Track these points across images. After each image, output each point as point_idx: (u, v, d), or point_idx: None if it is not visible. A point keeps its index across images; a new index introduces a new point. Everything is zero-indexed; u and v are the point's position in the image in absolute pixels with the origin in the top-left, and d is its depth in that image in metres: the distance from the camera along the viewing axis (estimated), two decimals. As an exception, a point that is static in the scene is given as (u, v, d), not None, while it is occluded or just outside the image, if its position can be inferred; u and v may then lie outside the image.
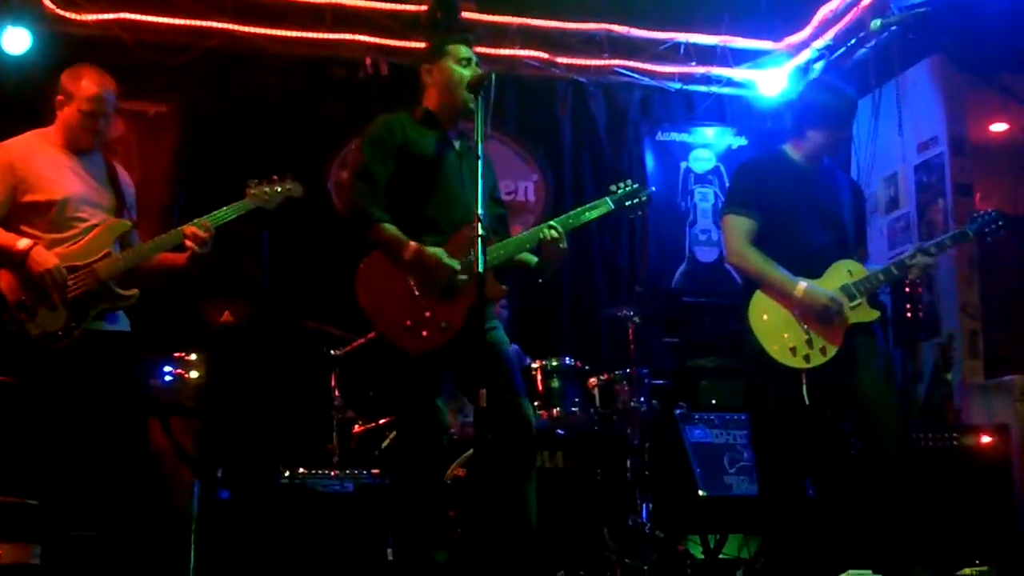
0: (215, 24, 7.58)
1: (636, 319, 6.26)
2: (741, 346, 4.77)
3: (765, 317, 4.64)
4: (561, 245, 4.30)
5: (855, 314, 4.61)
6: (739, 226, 4.74)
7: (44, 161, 4.45)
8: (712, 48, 8.43)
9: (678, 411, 6.41)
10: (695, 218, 8.53)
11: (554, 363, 5.97)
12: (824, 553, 4.92)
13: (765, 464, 4.72)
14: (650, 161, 8.51)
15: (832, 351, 4.56)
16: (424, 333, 4.12)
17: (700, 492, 6.10)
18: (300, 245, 7.39)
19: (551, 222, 4.35)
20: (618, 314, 6.39)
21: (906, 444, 4.76)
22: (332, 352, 6.26)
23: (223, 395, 5.92)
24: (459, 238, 4.21)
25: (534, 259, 4.42)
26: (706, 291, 7.91)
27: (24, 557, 4.39)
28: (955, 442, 6.06)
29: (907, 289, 7.42)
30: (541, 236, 4.30)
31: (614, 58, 8.30)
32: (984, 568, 5.43)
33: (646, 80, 8.44)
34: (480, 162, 3.93)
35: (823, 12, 8.04)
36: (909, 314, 7.47)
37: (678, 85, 8.52)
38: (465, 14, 7.57)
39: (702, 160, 8.63)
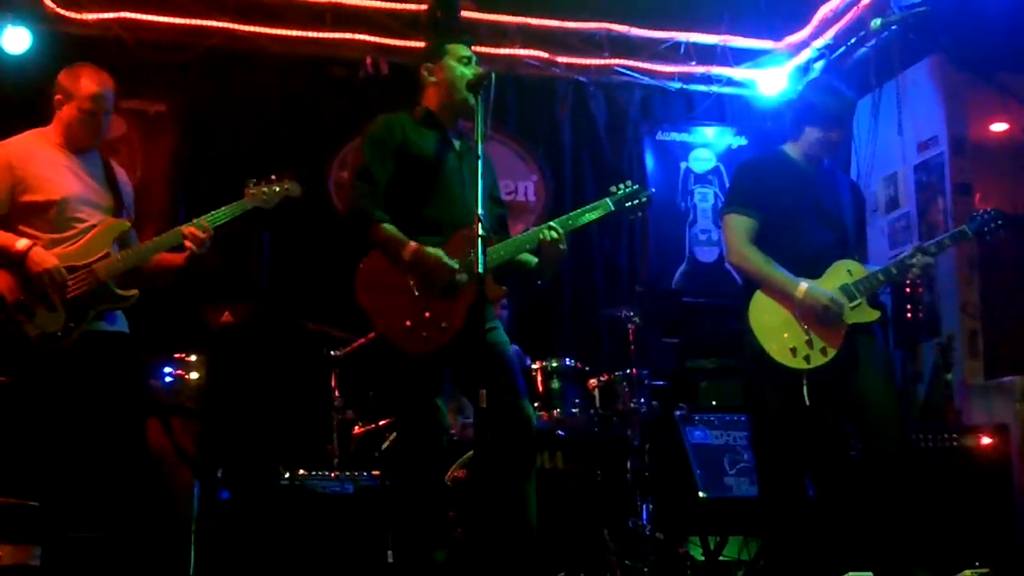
0: (215, 23, 7.58)
1: (636, 320, 6.26)
2: (741, 347, 4.76)
3: (765, 318, 4.63)
4: (561, 246, 4.30)
5: (855, 314, 4.60)
6: (739, 226, 4.74)
7: (43, 161, 4.44)
8: (712, 47, 8.42)
9: (678, 412, 6.41)
10: (695, 218, 8.53)
11: (554, 364, 5.98)
12: (824, 554, 4.92)
13: (765, 465, 4.71)
14: (650, 161, 8.51)
15: (832, 352, 4.55)
16: (424, 333, 4.11)
17: (700, 493, 6.10)
18: (300, 246, 7.39)
19: (551, 223, 4.35)
20: (618, 315, 6.39)
21: (906, 445, 4.75)
22: (332, 353, 6.25)
23: (223, 396, 5.92)
24: (459, 238, 4.21)
25: (534, 260, 4.41)
26: (706, 291, 7.91)
27: (24, 558, 4.39)
28: (955, 443, 6.05)
29: (907, 289, 7.42)
30: (541, 237, 4.29)
31: (614, 57, 8.30)
32: (984, 570, 5.44)
33: (646, 80, 8.44)
34: (480, 162, 3.93)
35: (823, 11, 8.04)
36: (909, 315, 7.47)
37: (678, 85, 8.52)
38: (465, 13, 7.55)
39: (702, 160, 8.63)
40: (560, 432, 5.85)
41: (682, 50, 8.40)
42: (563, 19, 8.18)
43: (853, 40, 7.88)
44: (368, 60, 7.81)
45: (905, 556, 4.45)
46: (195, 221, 4.46)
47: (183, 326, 6.34)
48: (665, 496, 6.13)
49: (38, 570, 4.35)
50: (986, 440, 6.05)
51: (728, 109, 8.70)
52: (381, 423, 6.06)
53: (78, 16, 7.36)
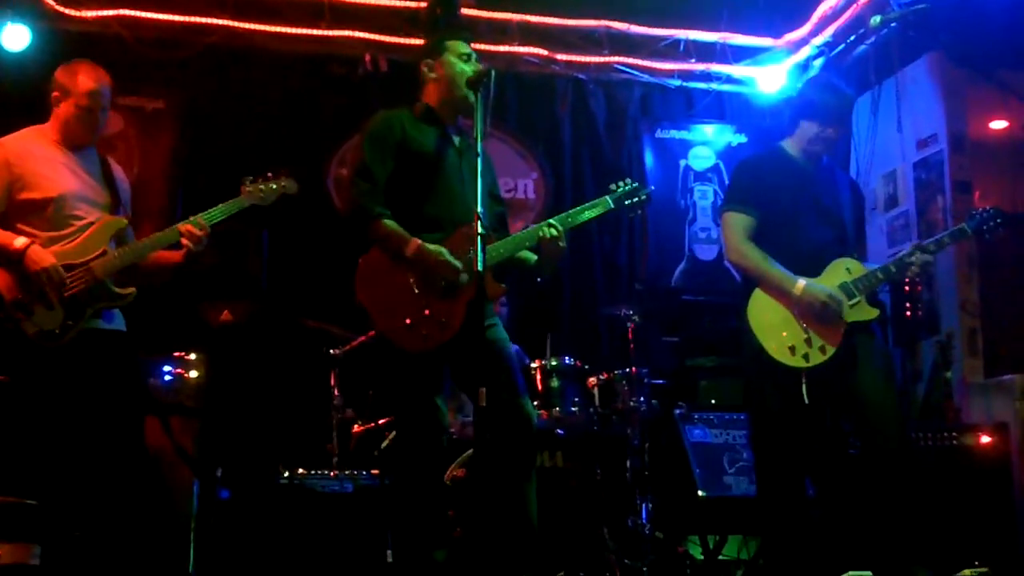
0: (214, 21, 7.58)
1: (635, 318, 6.25)
2: (740, 345, 4.76)
3: (764, 316, 4.63)
4: (560, 243, 4.29)
5: (854, 312, 4.59)
6: (738, 223, 4.74)
7: (40, 158, 4.43)
8: (712, 45, 8.42)
9: (678, 411, 6.40)
10: (695, 216, 8.53)
11: (553, 362, 5.97)
12: (824, 553, 4.92)
13: (764, 464, 4.71)
14: (649, 159, 8.50)
15: (831, 350, 4.55)
16: (424, 331, 4.11)
17: (700, 492, 6.09)
18: (299, 244, 7.39)
19: (550, 220, 4.33)
20: (617, 313, 6.38)
21: (905, 443, 4.75)
22: (331, 351, 6.25)
23: (223, 395, 5.92)
24: (459, 236, 4.20)
25: (533, 257, 4.41)
26: (706, 289, 7.90)
27: (24, 557, 4.39)
28: (954, 441, 6.05)
29: (906, 288, 7.41)
30: (540, 234, 4.28)
31: (614, 55, 8.29)
32: (984, 569, 5.43)
33: (646, 77, 8.44)
34: (480, 160, 3.93)
35: (822, 8, 8.03)
36: (908, 313, 7.46)
37: (677, 82, 8.51)
38: (464, 10, 7.56)
39: (701, 158, 8.63)
40: (559, 431, 5.85)
41: (682, 47, 8.39)
42: (563, 16, 8.17)
43: (852, 37, 7.88)
44: (367, 57, 7.81)
45: (905, 555, 4.44)
46: (192, 219, 4.45)
47: (182, 324, 6.33)
48: (664, 495, 6.13)
49: (38, 569, 4.35)
50: (985, 439, 6.04)
51: (728, 107, 8.70)
52: (380, 422, 6.06)
53: (77, 13, 7.36)
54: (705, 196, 8.58)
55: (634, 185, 4.56)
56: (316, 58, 7.86)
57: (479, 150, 3.94)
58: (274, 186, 4.63)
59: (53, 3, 7.30)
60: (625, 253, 8.27)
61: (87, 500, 4.27)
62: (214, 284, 6.41)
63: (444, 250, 4.13)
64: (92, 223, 4.44)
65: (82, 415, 4.27)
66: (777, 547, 4.69)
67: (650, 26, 8.28)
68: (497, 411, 3.99)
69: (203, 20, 7.57)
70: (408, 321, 4.11)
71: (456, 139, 4.46)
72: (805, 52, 8.28)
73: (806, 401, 4.50)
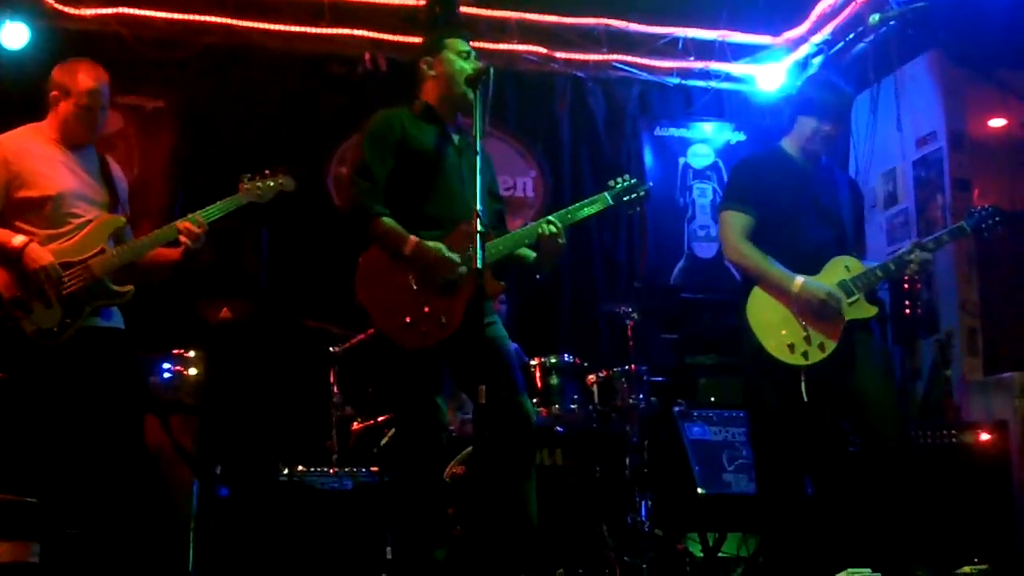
0: (214, 19, 7.57)
1: (635, 315, 6.25)
2: (740, 343, 4.76)
3: (763, 314, 4.64)
4: (560, 240, 4.29)
5: (853, 310, 4.60)
6: (736, 223, 4.74)
7: (38, 156, 4.44)
8: (710, 43, 8.41)
9: (677, 408, 6.41)
10: (693, 214, 8.52)
11: (553, 360, 5.97)
12: (823, 551, 4.92)
13: (763, 462, 4.72)
14: (648, 157, 8.49)
15: (830, 347, 4.55)
16: (423, 329, 4.11)
17: (699, 490, 6.10)
18: (299, 242, 7.39)
19: (549, 217, 4.34)
20: (616, 310, 6.38)
21: (905, 441, 4.75)
22: (331, 349, 6.25)
23: (222, 393, 5.92)
24: (458, 234, 4.20)
25: (532, 255, 4.41)
26: (705, 287, 7.90)
27: (23, 555, 4.39)
28: (954, 439, 6.04)
29: (906, 286, 7.40)
30: (540, 231, 4.29)
31: (612, 53, 8.29)
32: (983, 567, 5.43)
33: (644, 75, 8.43)
34: (479, 158, 3.93)
35: (821, 7, 8.03)
36: (908, 311, 7.45)
37: (676, 80, 8.50)
38: (463, 8, 7.56)
39: (700, 156, 8.62)
40: (559, 428, 5.85)
41: (680, 46, 8.38)
42: (562, 15, 8.16)
43: (851, 36, 7.88)
44: (367, 56, 7.80)
45: (904, 553, 4.45)
46: (190, 216, 4.46)
47: (181, 322, 6.33)
48: (664, 492, 6.13)
49: (37, 567, 4.35)
50: (985, 436, 6.04)
51: (726, 105, 8.69)
52: (380, 419, 6.05)
53: (76, 12, 7.35)
54: (704, 194, 8.58)
55: (633, 181, 4.56)
56: (315, 57, 7.86)
57: (478, 148, 3.94)
58: (272, 184, 4.63)
59: (52, 1, 7.28)
60: (624, 250, 8.27)
61: (86, 498, 4.27)
62: (213, 282, 6.41)
63: (442, 247, 4.13)
64: (90, 221, 4.44)
65: (81, 413, 4.27)
66: (776, 545, 4.70)
67: (649, 24, 8.27)
68: (496, 409, 3.99)
69: (203, 19, 7.56)
70: (408, 319, 4.11)
71: (455, 137, 4.46)
72: (804, 50, 8.28)
73: (805, 399, 4.51)
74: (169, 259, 4.55)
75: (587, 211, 4.45)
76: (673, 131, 8.64)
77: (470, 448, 5.50)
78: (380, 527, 5.42)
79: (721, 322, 7.02)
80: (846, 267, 4.68)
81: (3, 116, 4.80)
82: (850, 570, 5.05)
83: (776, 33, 8.40)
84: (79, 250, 4.36)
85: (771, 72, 8.42)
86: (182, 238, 4.42)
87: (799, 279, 4.58)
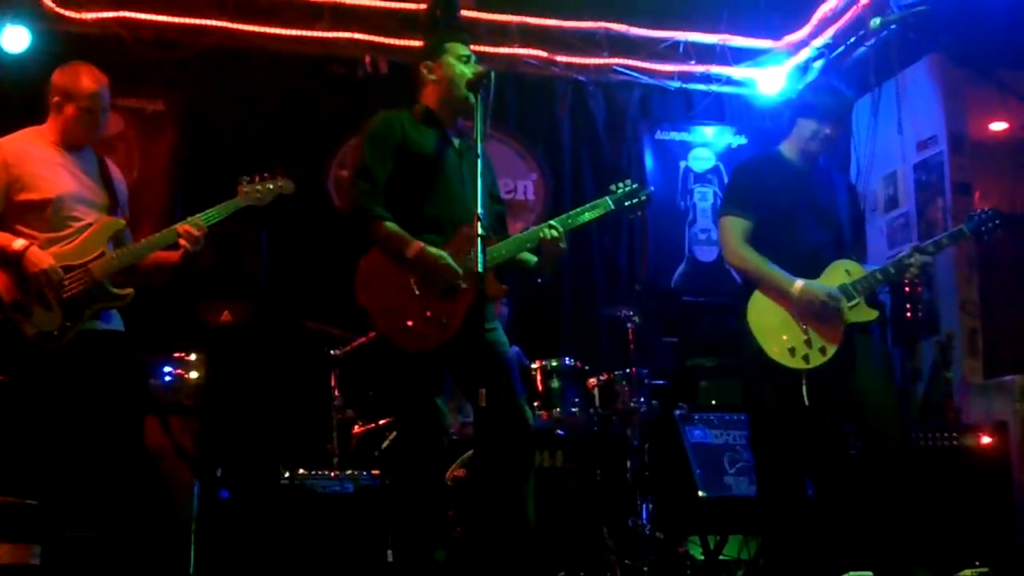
0: (214, 22, 7.58)
1: (635, 319, 6.25)
2: (740, 347, 4.76)
3: (764, 318, 4.64)
4: (561, 244, 4.29)
5: (853, 314, 4.60)
6: (736, 227, 4.75)
7: (38, 159, 4.44)
8: (711, 47, 8.41)
9: (678, 411, 6.41)
10: (694, 217, 8.52)
11: (554, 363, 5.98)
12: (824, 554, 4.92)
13: (764, 465, 4.71)
14: (649, 160, 8.50)
15: (831, 351, 4.55)
16: (424, 332, 4.11)
17: (700, 493, 6.10)
18: (299, 245, 7.39)
19: (551, 222, 4.34)
20: (617, 314, 6.39)
21: (905, 443, 4.75)
22: (332, 352, 6.25)
23: (223, 395, 5.93)
24: (459, 237, 4.21)
25: (534, 259, 4.41)
26: (705, 290, 7.90)
27: (24, 557, 4.39)
28: (954, 441, 6.04)
29: (906, 288, 7.41)
30: (541, 235, 4.29)
31: (613, 57, 8.29)
32: (984, 569, 5.43)
33: (645, 79, 8.43)
34: (480, 160, 3.93)
35: (822, 10, 8.03)
36: (908, 313, 7.45)
37: (677, 84, 8.51)
38: (464, 12, 7.56)
39: (701, 159, 8.63)
40: (560, 431, 5.85)
41: (681, 49, 8.39)
42: (562, 18, 8.17)
43: (852, 39, 7.88)
44: (367, 59, 7.81)
45: (905, 555, 4.45)
46: (189, 219, 4.45)
47: (182, 325, 6.33)
48: (665, 495, 6.13)
49: (38, 569, 4.35)
50: (985, 439, 6.04)
51: (727, 108, 8.69)
52: (381, 422, 6.06)
53: (77, 15, 7.36)
54: (705, 197, 8.58)
55: (634, 186, 4.56)
56: (315, 59, 7.86)
57: (479, 151, 3.94)
58: (271, 186, 4.63)
59: (52, 5, 7.30)
60: (625, 254, 8.27)
61: (87, 501, 4.27)
62: (213, 285, 6.42)
63: (445, 254, 4.14)
64: (90, 224, 4.44)
65: (81, 416, 4.27)
66: (777, 547, 4.70)
67: (650, 28, 8.27)
68: (495, 413, 4.00)
69: (202, 21, 7.57)
70: (410, 323, 4.11)
71: (456, 140, 4.46)
72: (805, 54, 8.28)
73: (806, 402, 4.51)
74: (169, 262, 4.55)
75: (588, 216, 4.45)
76: (674, 135, 8.65)
77: (471, 451, 5.50)
78: (381, 530, 5.42)
79: (722, 325, 7.02)
80: (846, 271, 4.68)
81: (3, 119, 4.80)
82: (851, 572, 5.05)
83: (777, 37, 8.40)
84: (79, 253, 4.36)
85: (772, 76, 8.42)
86: (182, 241, 4.42)
87: (799, 282, 4.58)
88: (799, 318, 4.58)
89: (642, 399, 6.04)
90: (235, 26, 7.60)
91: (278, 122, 7.70)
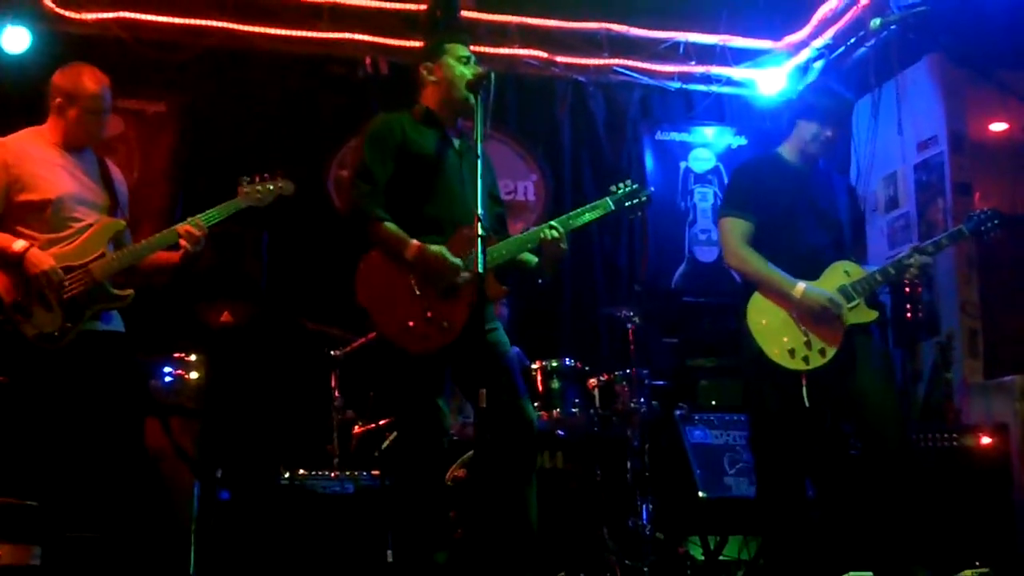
0: (214, 23, 7.59)
1: (636, 319, 6.26)
2: (740, 347, 4.76)
3: (764, 320, 4.64)
4: (562, 245, 4.29)
5: (853, 315, 4.60)
6: (736, 228, 4.75)
7: (39, 160, 4.43)
8: (711, 47, 8.42)
9: (678, 412, 6.41)
10: (695, 218, 8.53)
11: (554, 364, 5.98)
12: (824, 554, 4.92)
13: (764, 465, 4.71)
14: (649, 161, 8.50)
15: (831, 352, 4.56)
16: (425, 333, 4.11)
17: (700, 493, 6.10)
18: (300, 245, 7.39)
19: (551, 222, 4.34)
20: (618, 314, 6.39)
21: (906, 444, 4.75)
22: (332, 353, 6.25)
23: (223, 396, 5.92)
24: (460, 237, 4.21)
25: (534, 259, 4.41)
26: (706, 291, 7.90)
27: (24, 558, 4.39)
28: (955, 442, 6.04)
29: (907, 289, 7.41)
30: (542, 236, 4.29)
31: (613, 57, 8.30)
32: (984, 570, 5.43)
33: (645, 79, 8.44)
34: (480, 161, 3.93)
35: (822, 11, 8.04)
36: (909, 314, 7.46)
37: (677, 84, 8.51)
38: (464, 13, 7.57)
39: (702, 160, 8.63)
40: (560, 432, 5.85)
41: (681, 50, 8.40)
42: (562, 19, 8.18)
43: (852, 40, 7.89)
44: (368, 59, 7.81)
45: (905, 556, 4.45)
46: (190, 220, 4.45)
47: (182, 326, 6.33)
48: (665, 496, 6.13)
49: (38, 570, 4.35)
50: (986, 439, 6.05)
51: (727, 109, 8.70)
52: (381, 423, 6.06)
53: (77, 16, 7.37)
54: (705, 198, 8.58)
55: (634, 187, 4.57)
56: (315, 59, 7.87)
57: (479, 152, 3.94)
58: (271, 187, 4.63)
59: (53, 5, 7.30)
60: (625, 255, 8.27)
61: (87, 501, 4.26)
62: (214, 286, 6.42)
63: (445, 250, 4.14)
64: (91, 225, 4.43)
65: (81, 417, 4.26)
66: (777, 547, 4.69)
67: (650, 28, 8.28)
68: (498, 414, 4.00)
69: (203, 22, 7.58)
70: (411, 324, 4.11)
71: (456, 141, 4.46)
72: (805, 54, 8.29)
73: (807, 403, 4.51)
74: (169, 263, 4.55)
75: (589, 216, 4.45)
76: (674, 135, 8.65)
77: (472, 451, 5.50)
78: (381, 530, 5.43)
79: (722, 325, 7.02)
80: (846, 272, 4.68)
81: (4, 120, 4.80)
82: (851, 573, 5.05)
83: (777, 37, 8.41)
84: (80, 254, 4.36)
85: (772, 76, 8.43)
86: (182, 242, 4.42)
87: (801, 285, 4.58)
88: (799, 320, 4.59)
89: (642, 400, 6.04)
90: (235, 27, 7.61)
91: (278, 123, 7.71)
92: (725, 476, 6.22)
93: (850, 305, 4.59)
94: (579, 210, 4.46)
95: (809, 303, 4.56)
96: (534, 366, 6.02)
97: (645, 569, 5.60)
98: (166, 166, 7.55)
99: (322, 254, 7.14)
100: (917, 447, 5.97)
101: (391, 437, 5.87)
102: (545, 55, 8.17)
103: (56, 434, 4.25)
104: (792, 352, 4.56)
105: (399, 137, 4.32)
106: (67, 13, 7.35)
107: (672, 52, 8.40)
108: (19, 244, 4.27)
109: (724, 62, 8.43)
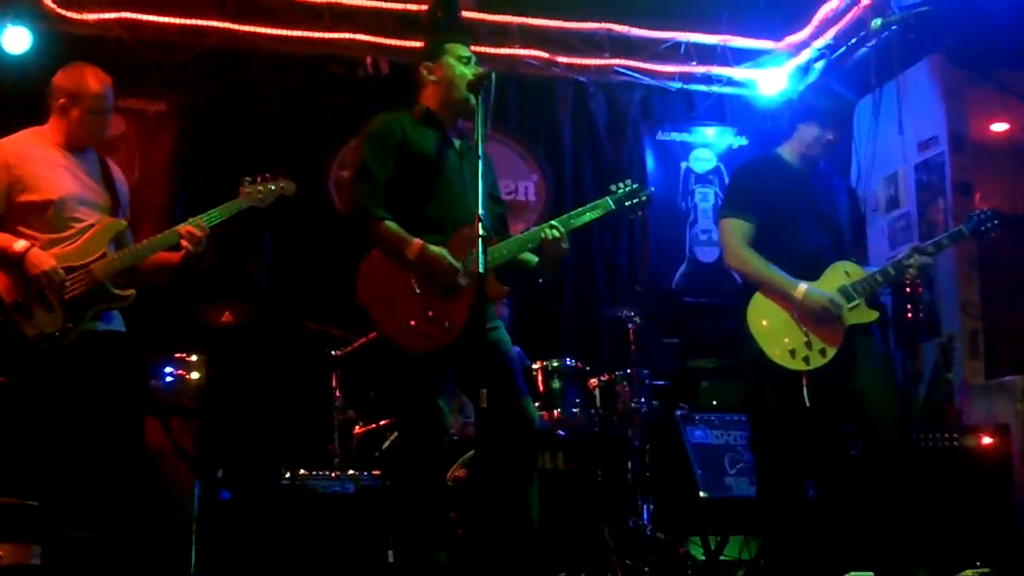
0: (215, 23, 7.59)
1: (636, 319, 6.26)
2: (740, 348, 4.76)
3: (764, 320, 4.64)
4: (563, 245, 4.29)
5: (853, 315, 4.60)
6: (737, 229, 4.75)
7: (40, 160, 4.43)
8: (712, 47, 8.42)
9: (679, 412, 6.41)
10: (695, 218, 8.53)
11: (555, 364, 5.98)
12: (825, 554, 4.92)
13: (765, 466, 4.71)
14: (650, 161, 8.50)
15: (832, 352, 4.56)
16: (426, 332, 4.11)
17: (701, 493, 6.10)
18: (300, 245, 7.39)
19: (552, 222, 4.34)
20: (618, 314, 6.39)
21: (906, 444, 4.75)
22: (333, 353, 6.25)
23: (224, 396, 5.92)
24: (460, 237, 4.20)
25: (535, 259, 4.41)
26: (706, 291, 7.90)
27: (24, 558, 4.39)
28: (955, 443, 6.04)
29: (907, 289, 7.41)
30: (543, 236, 4.29)
31: (614, 57, 8.30)
32: (985, 570, 5.43)
33: (646, 80, 8.44)
34: (480, 161, 3.93)
35: (823, 11, 8.03)
36: (909, 314, 7.46)
37: (678, 85, 8.51)
38: (465, 13, 7.56)
39: (702, 160, 8.63)
40: (561, 432, 5.85)
41: (682, 50, 8.39)
42: (563, 19, 8.18)
43: (853, 40, 7.88)
44: (368, 59, 7.81)
45: (906, 556, 4.46)
46: (191, 220, 4.45)
47: (183, 326, 6.33)
48: (666, 496, 6.13)
49: (38, 569, 4.35)
50: (987, 440, 6.04)
51: (728, 109, 8.70)
52: (382, 423, 6.06)
53: (78, 16, 7.37)
54: (706, 198, 8.58)
55: (635, 186, 4.56)
56: (316, 59, 7.87)
57: (480, 152, 3.94)
58: (272, 187, 4.63)
59: (54, 6, 7.30)
60: (626, 255, 8.27)
61: (88, 501, 4.27)
62: (215, 286, 6.42)
63: (446, 251, 4.14)
64: (92, 225, 4.43)
65: (82, 416, 4.26)
66: (778, 548, 4.70)
67: (651, 29, 8.28)
68: (499, 413, 4.00)
69: (203, 22, 7.59)
70: (412, 323, 4.11)
71: (456, 141, 4.46)
72: (806, 55, 8.28)
73: (807, 404, 4.51)
74: (170, 263, 4.55)
75: (589, 216, 4.45)
76: (675, 135, 8.65)
77: (472, 451, 5.50)
78: (382, 530, 5.42)
79: (722, 326, 7.02)
80: (846, 272, 4.68)
81: (5, 120, 4.79)
82: (852, 573, 5.05)
83: (778, 38, 8.40)
84: (81, 254, 4.36)
85: (773, 76, 8.42)
86: (183, 242, 4.42)
87: (802, 286, 4.58)
88: (800, 320, 4.59)
89: (643, 400, 6.04)
90: (236, 27, 7.61)
91: (279, 123, 7.71)
92: (726, 476, 6.22)
93: (850, 305, 4.59)
94: (579, 210, 4.46)
95: (810, 304, 4.56)
96: (535, 366, 6.02)
97: (646, 569, 5.59)
98: (167, 165, 7.55)
99: (323, 254, 7.14)
100: (918, 447, 5.97)
101: (392, 437, 5.86)
102: (546, 55, 8.17)
103: (57, 434, 4.26)
104: (793, 353, 4.56)
105: (399, 137, 4.32)
106: (68, 13, 7.35)
107: (673, 52, 8.39)
108: (20, 244, 4.27)
109: (725, 62, 8.43)
